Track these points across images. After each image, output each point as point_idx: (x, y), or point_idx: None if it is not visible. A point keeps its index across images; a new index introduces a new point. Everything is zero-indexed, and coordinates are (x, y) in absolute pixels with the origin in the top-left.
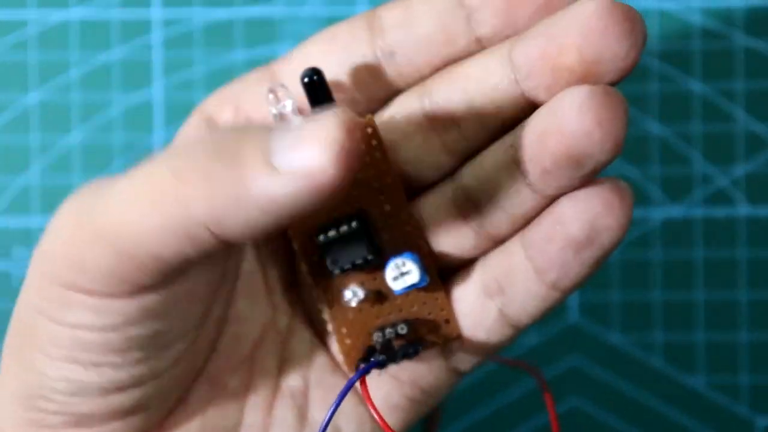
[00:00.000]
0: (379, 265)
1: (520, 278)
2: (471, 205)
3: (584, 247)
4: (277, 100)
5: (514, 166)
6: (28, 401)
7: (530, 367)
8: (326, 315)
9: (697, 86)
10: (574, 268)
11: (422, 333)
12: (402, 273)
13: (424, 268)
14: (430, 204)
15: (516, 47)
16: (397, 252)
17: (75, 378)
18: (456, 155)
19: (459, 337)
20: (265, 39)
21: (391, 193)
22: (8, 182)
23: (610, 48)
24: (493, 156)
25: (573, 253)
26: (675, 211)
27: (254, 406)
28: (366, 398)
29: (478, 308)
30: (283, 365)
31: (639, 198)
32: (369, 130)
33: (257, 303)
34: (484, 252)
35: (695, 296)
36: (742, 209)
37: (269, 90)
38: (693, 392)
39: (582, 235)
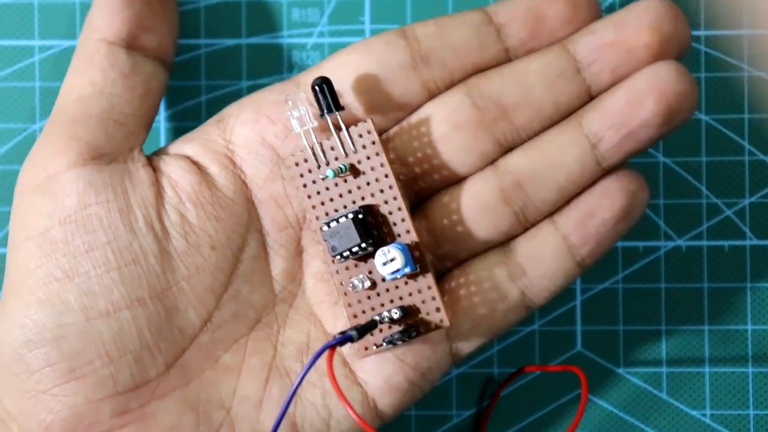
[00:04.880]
0: None
1: (549, 257)
2: (518, 189)
3: (623, 218)
4: (295, 106)
5: (584, 141)
6: None
7: (577, 369)
8: (341, 299)
9: (702, 117)
10: (607, 241)
11: (415, 319)
12: (390, 260)
13: (411, 257)
14: (473, 189)
15: (579, 41)
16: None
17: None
18: (504, 146)
19: (448, 326)
20: (270, 68)
21: (390, 190)
22: None
23: (680, 28)
24: (557, 138)
25: (612, 225)
26: (680, 242)
27: (248, 382)
28: (329, 369)
29: (502, 291)
30: (279, 349)
31: (644, 229)
32: (368, 132)
33: (258, 289)
34: (512, 237)
35: (700, 328)
36: (748, 240)
37: (286, 98)
38: (698, 424)
39: (624, 206)
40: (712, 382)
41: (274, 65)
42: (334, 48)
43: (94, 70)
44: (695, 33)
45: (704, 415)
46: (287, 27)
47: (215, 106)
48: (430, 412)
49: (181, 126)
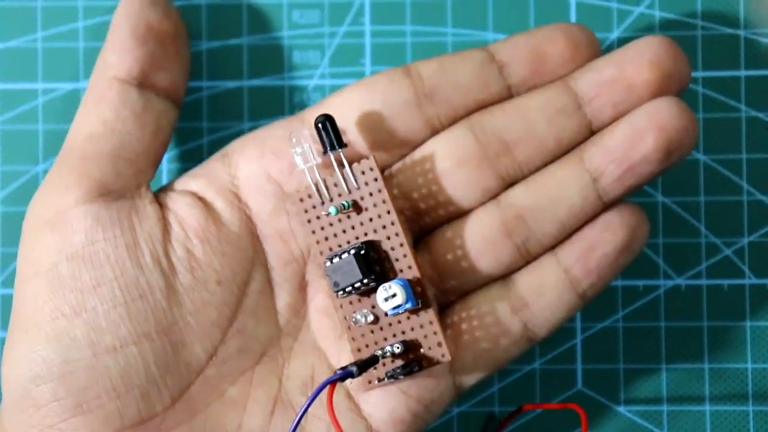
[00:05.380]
0: None
1: (551, 290)
2: (521, 223)
3: (624, 251)
4: (299, 143)
5: (585, 175)
6: None
7: (576, 406)
8: (345, 333)
9: (700, 157)
10: (608, 274)
11: (417, 354)
12: (391, 295)
13: (412, 293)
14: (476, 223)
15: (581, 78)
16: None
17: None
18: (506, 180)
19: (449, 361)
20: (272, 110)
21: (392, 226)
22: None
23: (679, 64)
24: (559, 173)
25: (613, 258)
26: (680, 280)
27: (254, 415)
28: (328, 404)
29: (504, 324)
30: (284, 382)
31: (644, 268)
32: (370, 168)
33: (263, 323)
34: (513, 271)
35: (700, 366)
36: (747, 279)
37: (290, 135)
38: None
39: (626, 240)
40: (713, 420)
41: (275, 107)
42: (335, 90)
43: (106, 107)
44: (693, 74)
45: None
46: (288, 69)
47: (217, 148)
48: None
49: (184, 167)
